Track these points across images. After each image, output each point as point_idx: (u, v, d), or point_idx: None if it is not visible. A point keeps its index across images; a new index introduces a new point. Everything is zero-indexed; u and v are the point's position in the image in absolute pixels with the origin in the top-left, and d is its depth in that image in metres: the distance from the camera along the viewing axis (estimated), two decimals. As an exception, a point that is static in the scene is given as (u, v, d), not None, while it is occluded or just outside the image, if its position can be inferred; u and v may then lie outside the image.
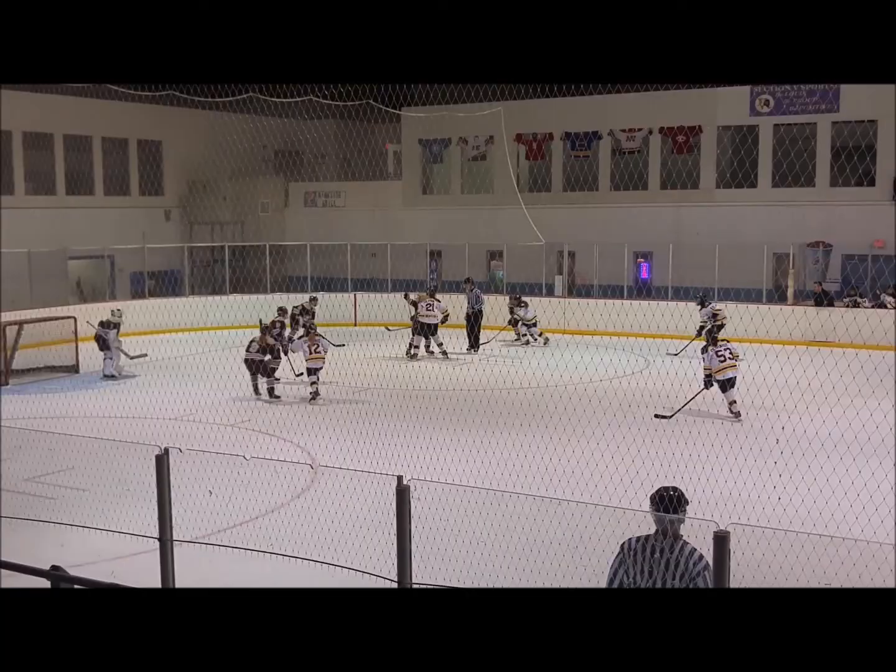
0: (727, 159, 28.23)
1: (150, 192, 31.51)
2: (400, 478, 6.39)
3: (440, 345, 21.83)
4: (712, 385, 15.29)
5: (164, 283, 28.29)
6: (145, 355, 19.30)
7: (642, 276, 28.90)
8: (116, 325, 19.81)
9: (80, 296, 28.40)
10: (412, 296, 22.64)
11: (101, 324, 19.65)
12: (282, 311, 20.48)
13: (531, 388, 17.47)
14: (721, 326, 20.76)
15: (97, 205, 30.02)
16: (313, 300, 23.41)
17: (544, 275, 27.20)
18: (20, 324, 19.76)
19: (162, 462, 7.07)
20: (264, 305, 25.40)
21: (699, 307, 21.92)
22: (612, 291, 26.03)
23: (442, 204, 31.39)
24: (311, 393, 16.81)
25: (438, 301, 22.21)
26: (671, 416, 14.68)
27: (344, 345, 21.01)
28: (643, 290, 27.76)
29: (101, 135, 30.39)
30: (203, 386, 16.69)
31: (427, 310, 21.84)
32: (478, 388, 17.84)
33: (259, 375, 17.32)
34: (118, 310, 20.46)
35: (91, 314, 21.58)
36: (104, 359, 19.46)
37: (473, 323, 22.84)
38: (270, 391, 17.07)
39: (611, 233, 27.26)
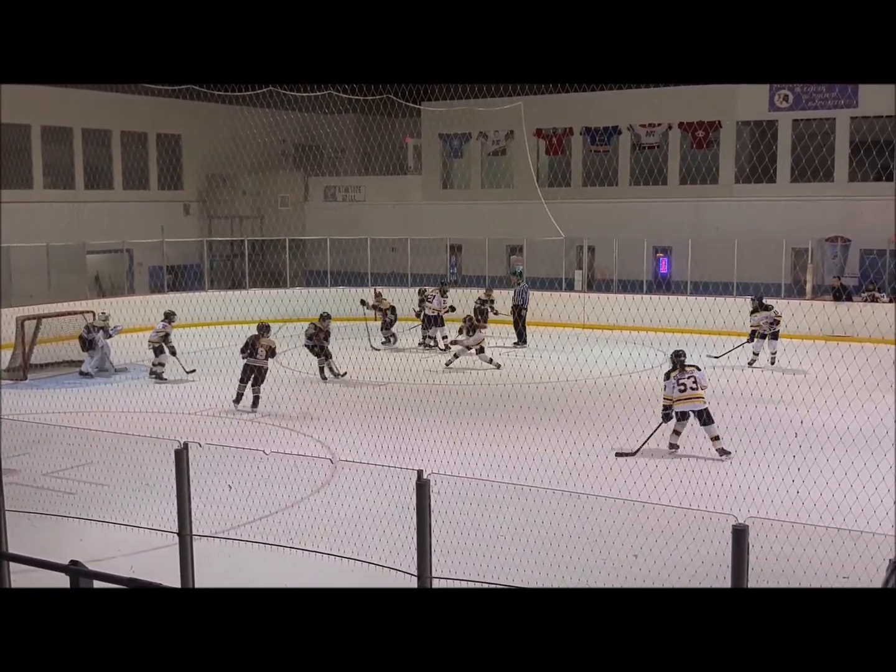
0: (746, 154, 28.07)
1: (170, 187, 31.61)
2: (420, 472, 6.37)
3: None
4: (670, 418, 12.82)
5: (183, 278, 28.37)
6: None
7: (661, 271, 28.79)
8: (102, 328, 19.67)
9: (98, 290, 28.47)
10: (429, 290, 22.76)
11: (87, 327, 19.57)
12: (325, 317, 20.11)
13: (550, 382, 17.42)
14: (776, 334, 19.31)
15: (116, 199, 30.11)
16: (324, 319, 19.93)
17: (564, 269, 27.14)
18: (38, 318, 19.81)
19: (181, 457, 7.06)
20: (283, 300, 25.50)
21: (755, 311, 19.66)
22: (631, 286, 25.94)
23: (462, 198, 31.36)
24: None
25: (443, 296, 22.25)
26: (634, 454, 12.57)
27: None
28: (662, 285, 27.66)
29: (121, 129, 30.47)
30: (222, 381, 16.71)
31: (428, 301, 22.05)
32: (497, 382, 17.81)
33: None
34: (104, 313, 20.26)
35: (110, 309, 21.64)
36: (88, 357, 19.41)
37: (518, 317, 22.86)
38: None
39: (630, 228, 27.19)
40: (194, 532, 7.15)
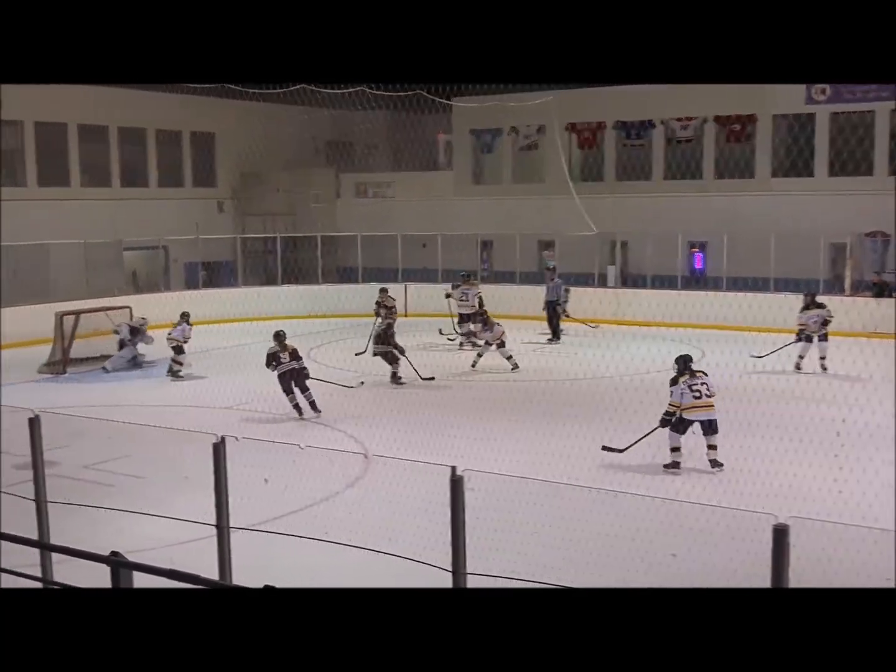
0: (783, 148, 27.85)
1: (204, 184, 31.78)
2: (454, 468, 6.37)
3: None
4: (669, 424, 11.98)
5: (218, 274, 28.53)
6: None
7: (696, 267, 28.62)
8: (138, 331, 19.91)
9: (135, 286, 28.71)
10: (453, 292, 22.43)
11: (131, 329, 19.80)
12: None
13: (585, 379, 17.37)
14: (825, 335, 18.03)
15: (152, 196, 30.33)
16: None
17: (597, 265, 27.03)
18: (77, 314, 20.02)
19: (218, 450, 7.12)
20: (315, 296, 25.59)
21: (806, 307, 18.43)
22: (665, 282, 25.80)
23: (493, 194, 31.30)
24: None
25: (475, 288, 21.98)
26: (623, 451, 12.07)
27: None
28: (697, 281, 27.48)
29: (156, 127, 30.68)
30: (257, 376, 16.77)
31: (461, 299, 21.66)
32: (531, 378, 17.77)
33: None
34: (143, 319, 20.39)
35: (146, 305, 21.83)
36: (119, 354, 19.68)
37: (552, 313, 22.71)
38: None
39: (664, 222, 26.99)
40: (231, 524, 7.20)
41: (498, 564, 7.67)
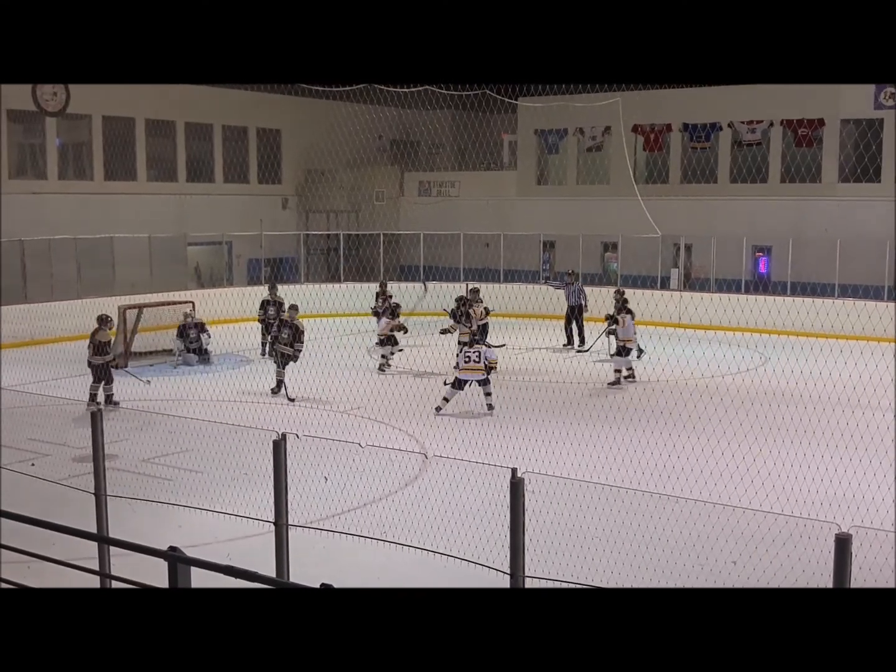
0: (850, 153, 27.34)
1: (269, 181, 31.99)
2: (514, 470, 6.31)
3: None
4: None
5: (281, 270, 28.72)
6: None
7: (760, 271, 28.22)
8: (202, 328, 20.32)
9: (198, 281, 29.01)
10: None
11: (185, 327, 20.22)
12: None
13: (647, 382, 17.20)
14: None
15: (216, 192, 30.59)
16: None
17: (660, 268, 26.80)
18: (140, 308, 20.26)
19: (279, 447, 7.13)
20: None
21: None
22: (728, 286, 25.49)
23: (557, 194, 31.15)
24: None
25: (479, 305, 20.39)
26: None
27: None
28: (761, 285, 27.13)
29: (222, 122, 30.94)
30: (318, 372, 16.86)
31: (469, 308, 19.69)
32: (592, 381, 17.64)
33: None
34: (206, 330, 20.72)
35: (209, 300, 22.02)
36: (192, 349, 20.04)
37: (573, 318, 22.34)
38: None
39: (729, 226, 26.71)
40: (290, 522, 7.21)
41: (556, 568, 7.60)
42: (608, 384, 17.46)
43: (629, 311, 18.77)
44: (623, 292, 21.48)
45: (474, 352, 15.96)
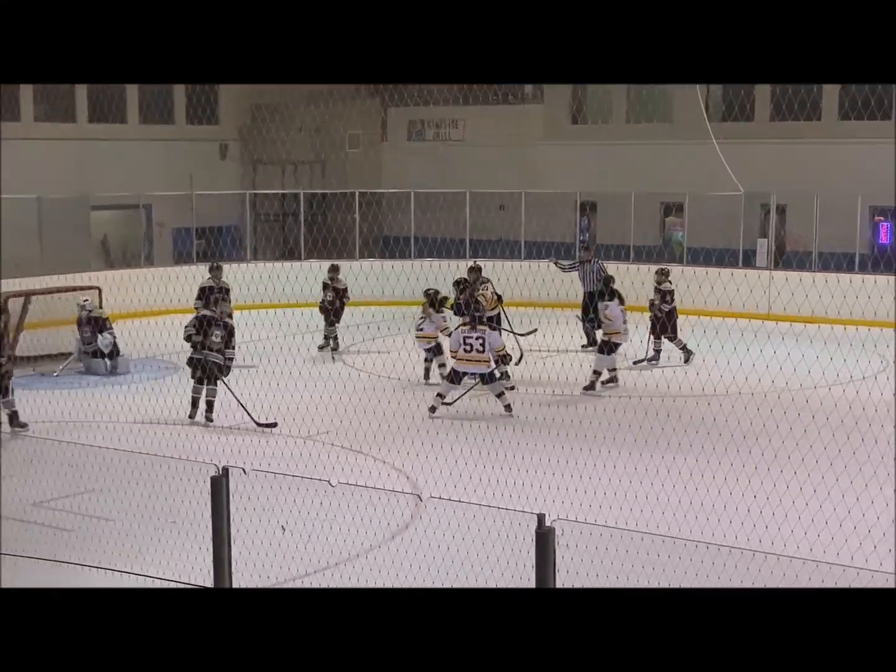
0: None
1: (201, 121, 31.88)
2: (541, 518, 6.43)
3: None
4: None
5: (219, 244, 28.73)
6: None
7: (880, 241, 28.33)
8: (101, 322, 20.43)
9: (105, 259, 29.08)
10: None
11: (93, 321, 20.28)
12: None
13: (713, 395, 17.24)
14: None
15: (130, 136, 30.60)
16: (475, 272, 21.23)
17: (741, 238, 26.84)
18: (26, 295, 20.19)
19: (219, 486, 7.25)
20: (351, 275, 25.62)
21: None
22: (837, 262, 25.55)
23: (599, 137, 31.16)
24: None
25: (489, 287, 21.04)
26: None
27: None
28: (882, 261, 27.15)
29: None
30: (271, 384, 16.93)
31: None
32: (640, 394, 17.74)
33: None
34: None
35: (120, 285, 22.03)
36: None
37: (591, 308, 21.81)
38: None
39: (837, 179, 26.70)
40: (236, 586, 7.35)
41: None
42: (583, 389, 18.16)
43: (615, 295, 19.29)
44: (668, 272, 21.45)
45: (476, 336, 16.15)
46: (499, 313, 20.32)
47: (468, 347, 16.32)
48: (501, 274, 22.51)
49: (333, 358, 21.51)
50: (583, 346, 22.06)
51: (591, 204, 30.54)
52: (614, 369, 18.72)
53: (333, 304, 22.30)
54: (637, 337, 20.46)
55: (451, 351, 17.36)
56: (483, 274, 20.88)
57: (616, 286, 20.42)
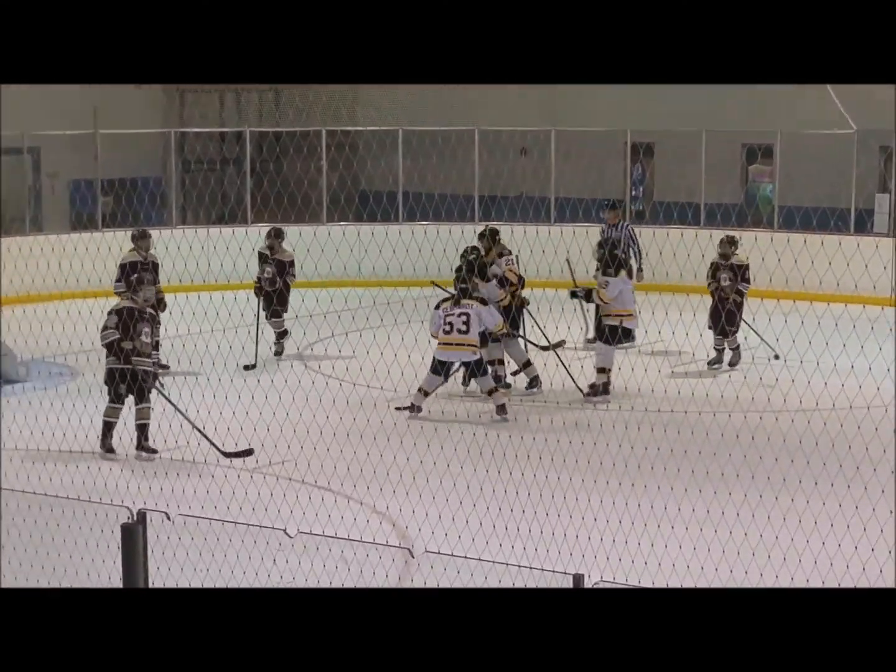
0: None
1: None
2: (577, 578, 6.47)
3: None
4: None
5: (132, 204, 28.77)
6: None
7: None
8: None
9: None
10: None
11: None
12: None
13: (809, 409, 17.27)
14: None
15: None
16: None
17: (853, 194, 26.87)
18: None
19: (133, 536, 7.27)
20: (315, 246, 25.63)
21: None
22: None
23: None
24: None
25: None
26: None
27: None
28: None
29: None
30: (203, 396, 16.98)
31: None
32: (696, 409, 17.82)
33: None
34: None
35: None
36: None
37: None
38: None
39: None
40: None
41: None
42: (584, 395, 18.75)
43: (622, 266, 19.77)
44: (737, 241, 21.36)
45: (459, 313, 16.27)
46: (513, 306, 19.93)
47: (448, 328, 16.43)
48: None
49: (278, 363, 21.54)
50: (588, 340, 22.07)
51: (647, 146, 30.57)
52: (609, 370, 18.68)
53: (274, 284, 22.11)
54: (684, 329, 20.54)
55: (431, 335, 17.73)
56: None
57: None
